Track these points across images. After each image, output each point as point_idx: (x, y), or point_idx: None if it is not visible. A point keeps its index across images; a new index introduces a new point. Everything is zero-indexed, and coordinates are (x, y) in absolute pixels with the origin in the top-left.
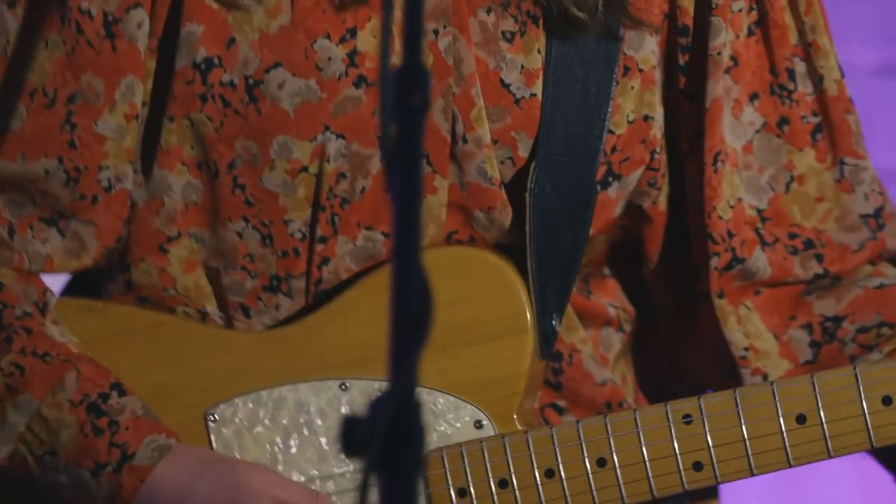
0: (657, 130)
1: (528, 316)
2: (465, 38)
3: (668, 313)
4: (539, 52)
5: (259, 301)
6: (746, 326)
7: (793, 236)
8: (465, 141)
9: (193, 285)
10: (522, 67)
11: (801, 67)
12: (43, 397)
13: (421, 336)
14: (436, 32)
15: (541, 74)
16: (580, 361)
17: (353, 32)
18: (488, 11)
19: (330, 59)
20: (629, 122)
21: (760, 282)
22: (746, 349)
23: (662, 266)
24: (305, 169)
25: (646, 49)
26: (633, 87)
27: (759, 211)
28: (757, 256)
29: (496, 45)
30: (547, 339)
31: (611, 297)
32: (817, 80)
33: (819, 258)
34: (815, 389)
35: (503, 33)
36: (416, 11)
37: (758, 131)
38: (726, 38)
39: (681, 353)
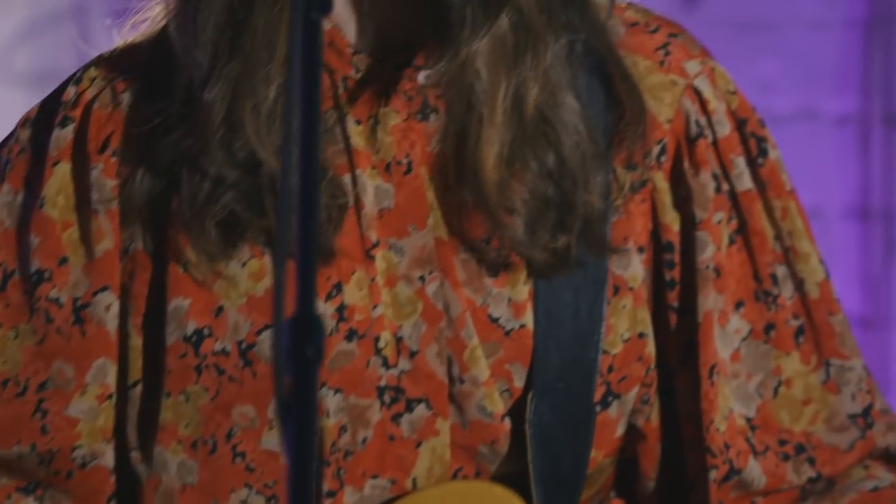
0: (651, 347)
1: None
2: (451, 280)
3: None
4: (524, 282)
5: None
6: None
7: (783, 442)
8: (461, 381)
9: None
10: (510, 300)
11: (781, 272)
12: None
13: None
14: (422, 279)
15: (529, 304)
16: None
17: (338, 287)
18: (469, 251)
19: (319, 315)
20: (624, 341)
21: (756, 491)
22: None
23: (656, 482)
24: None
25: (633, 267)
26: (625, 306)
27: (748, 420)
28: (751, 466)
29: (481, 282)
30: None
31: None
32: (798, 283)
33: (811, 461)
34: None
35: (487, 269)
36: (309, 261)
37: (744, 339)
38: (712, 252)
39: None
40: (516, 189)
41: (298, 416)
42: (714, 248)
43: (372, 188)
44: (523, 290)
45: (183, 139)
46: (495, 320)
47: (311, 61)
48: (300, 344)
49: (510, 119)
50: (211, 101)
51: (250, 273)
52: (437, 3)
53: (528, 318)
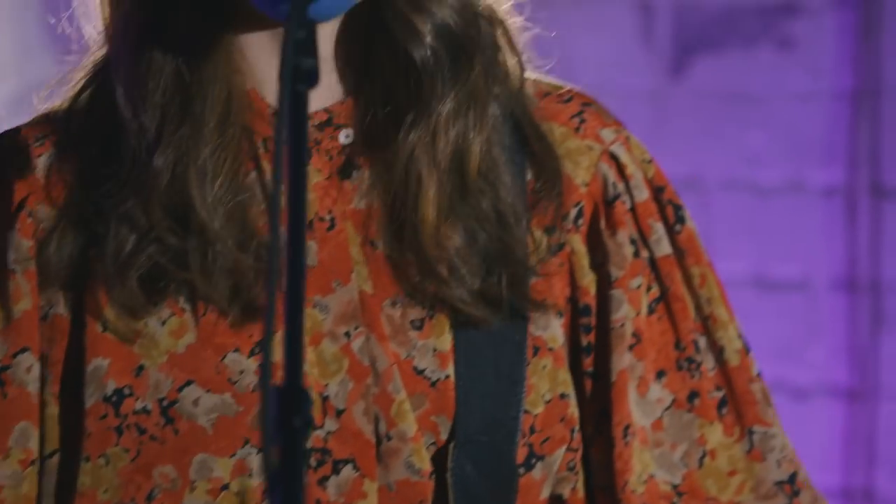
0: (574, 409)
1: None
2: (377, 333)
3: None
4: (448, 332)
5: None
6: None
7: None
8: (389, 438)
9: None
10: (435, 350)
11: (703, 342)
12: None
13: None
14: (347, 335)
15: (452, 355)
16: None
17: (261, 345)
18: (393, 304)
19: (242, 371)
20: (546, 402)
21: None
22: None
23: None
24: (227, 486)
25: (553, 328)
26: (545, 367)
27: (674, 486)
28: None
29: (406, 336)
30: None
31: None
32: (718, 352)
33: None
34: None
35: (411, 322)
36: (297, 331)
37: (667, 408)
38: (627, 312)
39: None
40: (450, 237)
41: (286, 486)
42: (632, 310)
43: None
44: (447, 340)
45: (124, 202)
46: (421, 372)
47: (297, 132)
48: (288, 414)
49: (451, 177)
50: (160, 166)
51: (171, 331)
52: (405, 67)
53: (452, 369)
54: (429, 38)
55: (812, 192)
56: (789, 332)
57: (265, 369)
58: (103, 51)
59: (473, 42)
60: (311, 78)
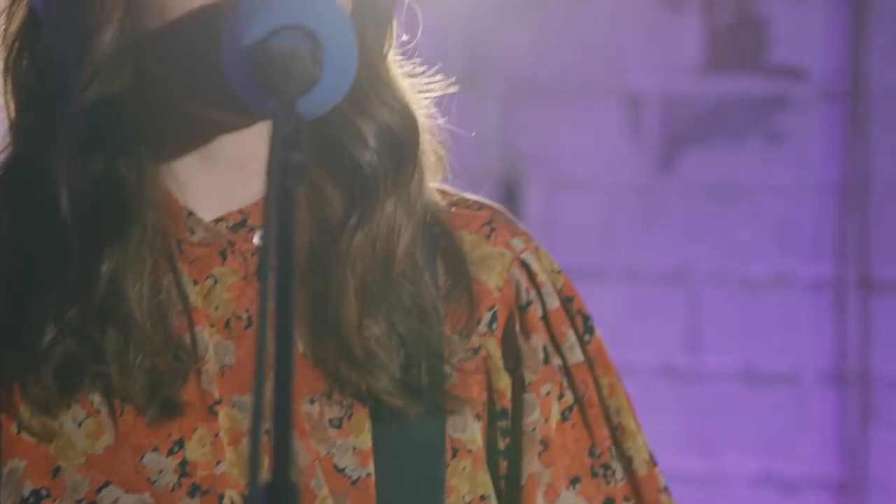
0: None
1: None
2: (297, 431)
3: None
4: (368, 430)
5: None
6: None
7: None
8: None
9: None
10: (355, 448)
11: (613, 451)
12: None
13: None
14: (268, 433)
15: (372, 454)
16: None
17: (180, 443)
18: (311, 402)
19: (161, 471)
20: (466, 503)
21: None
22: None
23: None
24: None
25: (471, 430)
26: (464, 468)
27: None
28: None
29: (324, 434)
30: None
31: None
32: (627, 462)
33: None
34: None
35: (330, 421)
36: (285, 428)
37: None
38: (538, 418)
39: None
40: (370, 327)
41: None
42: (541, 417)
43: (212, 346)
44: (367, 439)
45: (52, 300)
46: (341, 470)
47: (287, 228)
48: None
49: (375, 274)
50: (104, 270)
51: (87, 433)
52: (346, 170)
53: (373, 468)
54: (372, 142)
55: (801, 286)
56: (779, 425)
57: (253, 465)
58: (7, 151)
59: (413, 145)
60: (300, 173)
